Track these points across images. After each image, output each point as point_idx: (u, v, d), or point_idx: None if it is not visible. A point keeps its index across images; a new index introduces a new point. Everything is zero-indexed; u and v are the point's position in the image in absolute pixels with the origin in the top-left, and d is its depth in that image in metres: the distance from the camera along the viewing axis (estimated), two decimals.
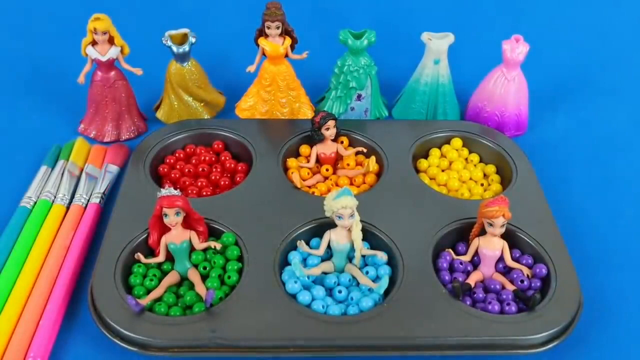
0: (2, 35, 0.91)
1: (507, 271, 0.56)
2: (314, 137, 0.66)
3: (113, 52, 0.68)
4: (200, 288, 0.52)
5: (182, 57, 0.71)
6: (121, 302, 0.50)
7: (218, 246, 0.54)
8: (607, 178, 0.69)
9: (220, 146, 0.69)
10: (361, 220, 0.54)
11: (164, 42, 0.70)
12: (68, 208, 0.62)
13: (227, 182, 0.65)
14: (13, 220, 0.60)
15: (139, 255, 0.54)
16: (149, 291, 0.52)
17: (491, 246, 0.54)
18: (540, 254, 0.55)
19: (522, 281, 0.53)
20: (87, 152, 0.69)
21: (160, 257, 0.54)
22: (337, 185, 0.65)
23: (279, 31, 0.69)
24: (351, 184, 0.66)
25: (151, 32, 0.74)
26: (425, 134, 0.70)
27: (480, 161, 0.69)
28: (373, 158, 0.65)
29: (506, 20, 0.96)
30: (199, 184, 0.65)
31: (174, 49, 0.70)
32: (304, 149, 0.68)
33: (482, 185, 0.66)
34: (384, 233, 0.57)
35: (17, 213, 0.60)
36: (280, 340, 0.48)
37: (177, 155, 0.68)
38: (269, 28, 0.69)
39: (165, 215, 0.52)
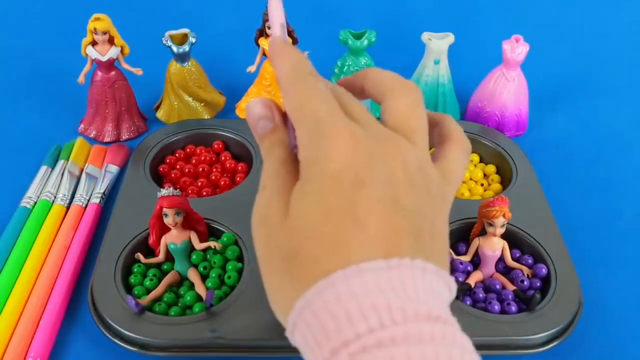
0: (2, 35, 0.91)
1: (507, 271, 0.56)
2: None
3: (113, 52, 0.68)
4: (200, 288, 0.52)
5: (182, 57, 0.71)
6: (121, 302, 0.50)
7: (218, 246, 0.54)
8: (607, 178, 0.69)
9: (220, 146, 0.69)
10: None
11: (164, 42, 0.70)
12: (68, 208, 0.62)
13: (227, 182, 0.65)
14: (13, 220, 0.59)
15: (139, 255, 0.54)
16: (149, 291, 0.52)
17: (491, 246, 0.54)
18: (540, 254, 0.55)
19: (522, 281, 0.53)
20: (87, 152, 0.69)
21: (160, 257, 0.54)
22: None
23: None
24: None
25: (151, 32, 0.74)
26: None
27: (480, 161, 0.69)
28: None
29: (506, 20, 0.96)
30: (199, 184, 0.65)
31: (174, 49, 0.70)
32: None
33: (482, 185, 0.66)
34: None
35: (17, 213, 0.60)
36: (280, 340, 0.48)
37: (177, 155, 0.68)
38: (269, 28, 0.69)
39: (165, 215, 0.52)
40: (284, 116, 0.31)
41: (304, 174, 0.28)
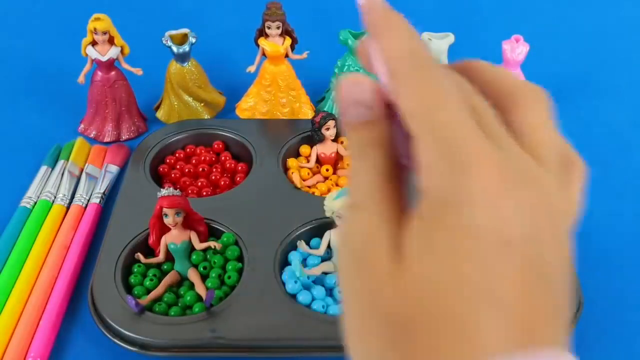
0: (2, 35, 0.91)
1: None
2: (314, 137, 0.66)
3: (113, 52, 0.68)
4: (200, 288, 0.52)
5: (182, 57, 0.71)
6: (121, 302, 0.50)
7: (218, 246, 0.54)
8: (607, 178, 0.69)
9: (220, 146, 0.69)
10: None
11: (164, 42, 0.70)
12: (68, 208, 0.62)
13: (227, 182, 0.65)
14: (13, 220, 0.60)
15: (139, 255, 0.54)
16: (149, 291, 0.52)
17: None
18: None
19: None
20: (87, 152, 0.69)
21: (160, 257, 0.54)
22: (337, 185, 0.65)
23: (279, 31, 0.69)
24: None
25: (151, 32, 0.74)
26: None
27: None
28: None
29: (506, 20, 0.96)
30: (199, 184, 0.65)
31: (174, 49, 0.70)
32: (304, 149, 0.68)
33: None
34: None
35: (17, 213, 0.60)
36: (280, 340, 0.48)
37: (177, 155, 0.68)
38: (269, 28, 0.69)
39: (166, 215, 0.52)
40: (388, 108, 0.23)
41: (429, 213, 0.20)
